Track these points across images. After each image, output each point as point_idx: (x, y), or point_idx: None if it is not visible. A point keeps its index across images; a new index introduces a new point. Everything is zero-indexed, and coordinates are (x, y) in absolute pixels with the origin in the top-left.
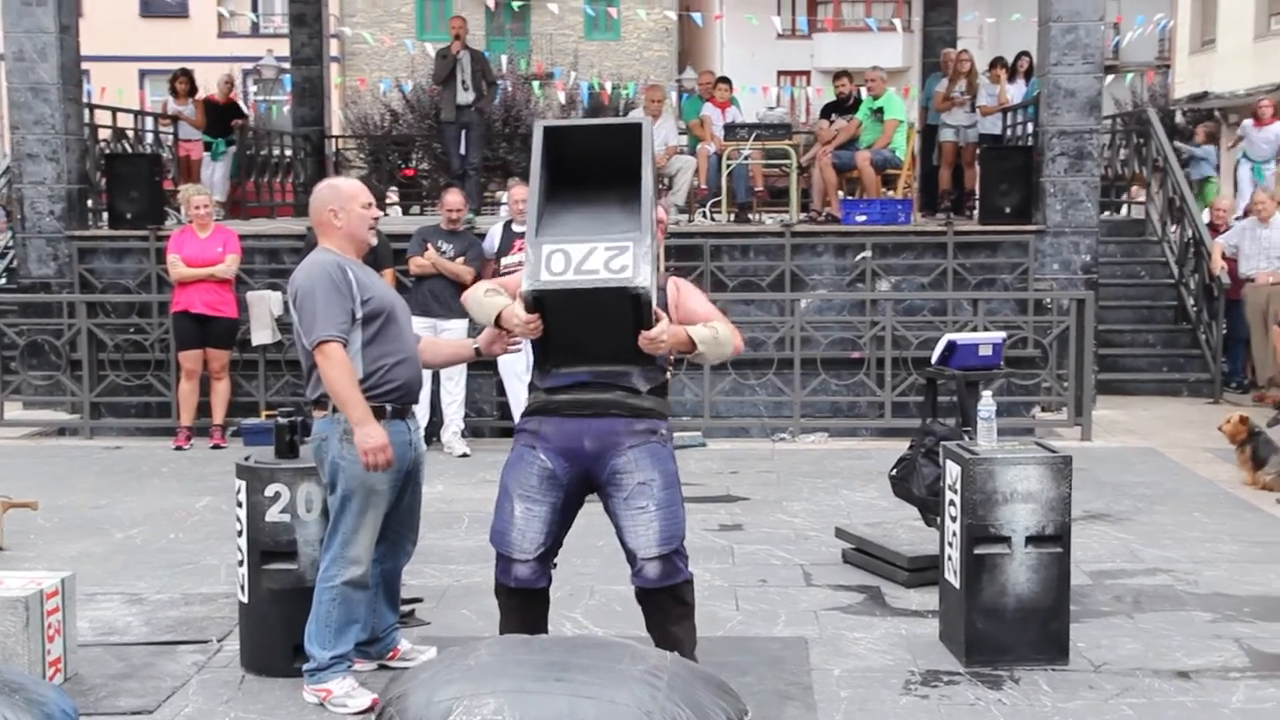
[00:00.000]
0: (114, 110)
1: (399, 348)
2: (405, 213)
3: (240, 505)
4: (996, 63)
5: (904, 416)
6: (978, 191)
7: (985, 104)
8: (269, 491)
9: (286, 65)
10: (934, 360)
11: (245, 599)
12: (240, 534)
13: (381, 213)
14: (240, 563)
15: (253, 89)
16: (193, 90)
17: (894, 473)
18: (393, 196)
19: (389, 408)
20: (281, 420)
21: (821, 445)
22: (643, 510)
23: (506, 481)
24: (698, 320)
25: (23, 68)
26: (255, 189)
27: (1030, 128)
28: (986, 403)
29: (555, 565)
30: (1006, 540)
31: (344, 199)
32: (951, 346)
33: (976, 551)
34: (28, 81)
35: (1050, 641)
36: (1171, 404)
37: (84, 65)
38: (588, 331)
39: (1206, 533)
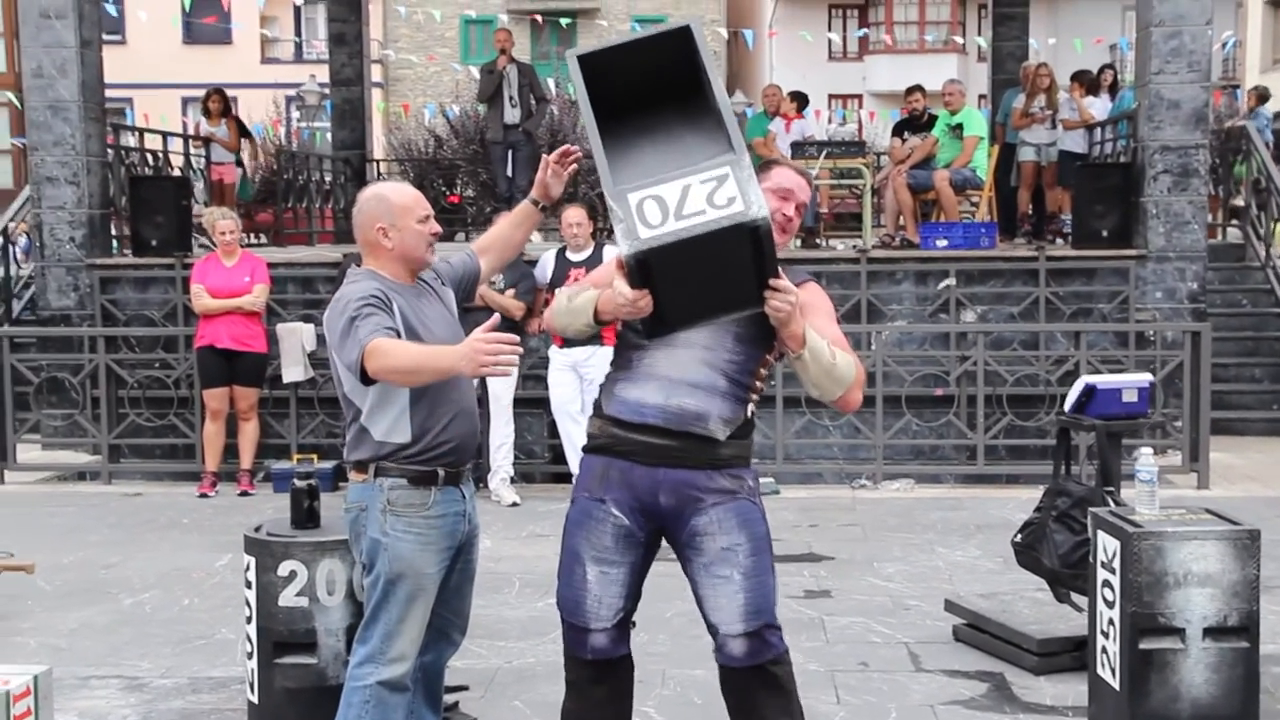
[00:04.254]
0: (141, 131)
1: (453, 400)
2: (450, 239)
3: (249, 586)
4: (1077, 77)
5: (995, 461)
6: (1070, 213)
7: (1069, 119)
8: (283, 570)
9: (328, 90)
10: (1068, 407)
11: (255, 698)
12: (249, 620)
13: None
14: (249, 654)
15: (295, 115)
16: (226, 110)
17: (1019, 539)
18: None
19: (441, 472)
20: (299, 483)
21: (907, 494)
22: (726, 580)
23: (575, 543)
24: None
25: (41, 85)
26: (293, 216)
27: (1119, 145)
28: (1147, 463)
29: (634, 625)
30: (1179, 633)
31: (395, 214)
32: (1090, 391)
33: (1143, 645)
34: (46, 100)
35: None
36: None
37: (127, 93)
38: (701, 291)
39: None
